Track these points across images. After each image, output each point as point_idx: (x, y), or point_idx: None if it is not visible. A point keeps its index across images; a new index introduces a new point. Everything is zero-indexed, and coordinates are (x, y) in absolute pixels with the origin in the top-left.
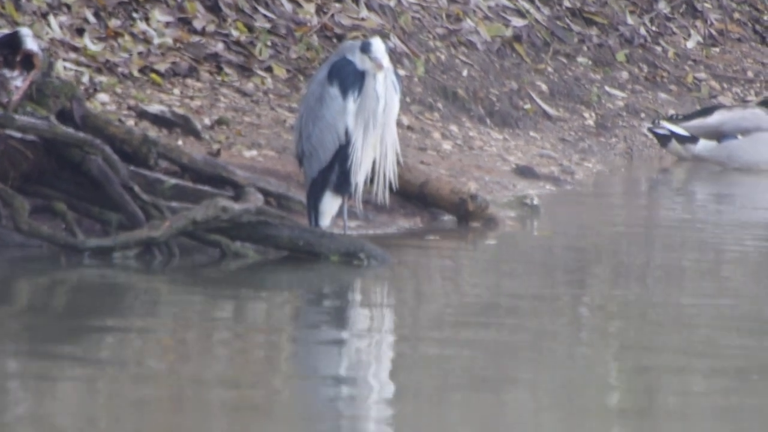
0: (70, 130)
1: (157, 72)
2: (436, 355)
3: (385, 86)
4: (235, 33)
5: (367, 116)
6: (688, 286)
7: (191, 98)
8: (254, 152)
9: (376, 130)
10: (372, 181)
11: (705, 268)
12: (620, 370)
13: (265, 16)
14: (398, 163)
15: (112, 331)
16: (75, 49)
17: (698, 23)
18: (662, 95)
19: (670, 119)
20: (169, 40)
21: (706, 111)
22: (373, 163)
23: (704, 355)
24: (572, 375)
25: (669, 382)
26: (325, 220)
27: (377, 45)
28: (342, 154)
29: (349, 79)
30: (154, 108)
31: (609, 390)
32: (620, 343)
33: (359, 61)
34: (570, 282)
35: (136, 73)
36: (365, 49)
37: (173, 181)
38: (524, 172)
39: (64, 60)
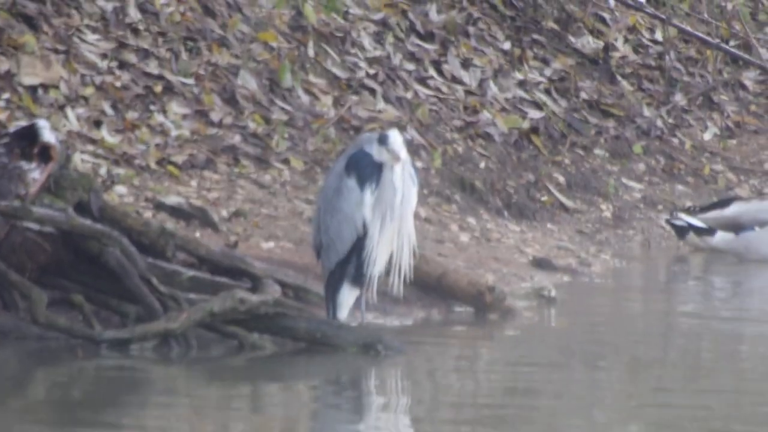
0: (88, 222)
1: (174, 164)
2: None
3: (402, 178)
4: (252, 125)
5: (385, 208)
6: (704, 382)
7: (208, 190)
8: (271, 244)
9: (394, 222)
10: (389, 272)
11: (722, 362)
12: None
13: (282, 108)
14: (415, 254)
15: (129, 426)
16: (92, 141)
17: (715, 115)
18: (679, 187)
19: (687, 211)
20: (187, 132)
21: (723, 203)
22: (390, 254)
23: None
24: None
25: None
26: (343, 312)
27: (395, 137)
28: (359, 246)
29: (367, 170)
30: (172, 200)
31: None
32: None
33: (377, 153)
34: (588, 378)
35: (153, 165)
36: (383, 141)
37: (191, 272)
38: (541, 264)
39: (82, 152)
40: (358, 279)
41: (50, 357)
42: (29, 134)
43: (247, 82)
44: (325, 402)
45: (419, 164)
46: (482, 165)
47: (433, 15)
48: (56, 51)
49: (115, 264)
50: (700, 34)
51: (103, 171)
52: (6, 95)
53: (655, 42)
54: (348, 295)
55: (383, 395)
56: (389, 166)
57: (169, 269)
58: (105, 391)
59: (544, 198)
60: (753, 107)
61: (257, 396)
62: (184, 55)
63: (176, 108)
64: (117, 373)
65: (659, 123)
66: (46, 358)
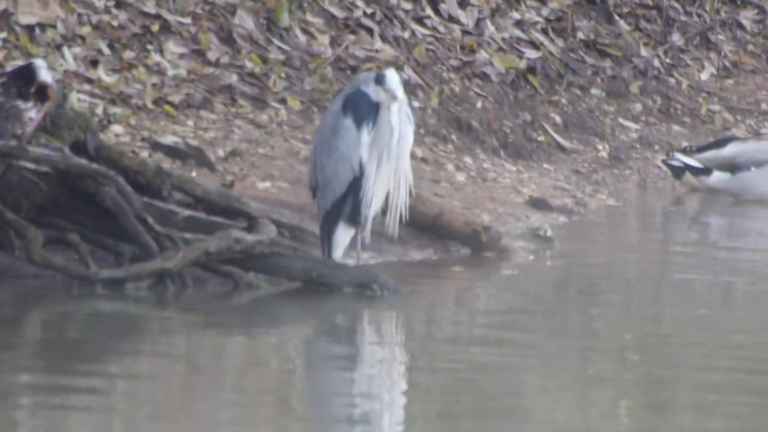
0: (84, 162)
1: (171, 103)
2: (448, 383)
3: (399, 118)
4: (249, 64)
5: (382, 148)
6: (699, 321)
7: (205, 130)
8: (268, 184)
9: (390, 162)
10: (385, 212)
11: (715, 297)
12: (630, 397)
13: (279, 47)
14: (411, 194)
15: (123, 363)
16: (89, 80)
17: (712, 55)
18: (676, 127)
19: (684, 151)
20: (183, 72)
21: (720, 143)
22: (387, 194)
23: (718, 369)
24: (585, 404)
25: (683, 405)
26: (338, 252)
27: (392, 76)
28: (356, 186)
29: (364, 110)
30: (168, 139)
31: (621, 414)
32: (629, 370)
33: (374, 92)
34: (583, 315)
35: (150, 105)
36: (380, 80)
37: (187, 212)
38: (538, 204)
39: (78, 91)
40: (354, 219)
41: (46, 296)
42: (26, 74)
43: (244, 21)
44: (320, 342)
45: (416, 104)
46: (479, 105)
47: None
48: None
49: (111, 203)
50: None
51: (99, 110)
52: (3, 35)
53: None
54: (344, 235)
55: (378, 335)
56: (386, 105)
57: (165, 209)
58: (100, 331)
59: (541, 138)
60: (750, 47)
61: (252, 336)
62: None
63: (173, 47)
64: (112, 312)
65: (656, 63)
66: (41, 298)
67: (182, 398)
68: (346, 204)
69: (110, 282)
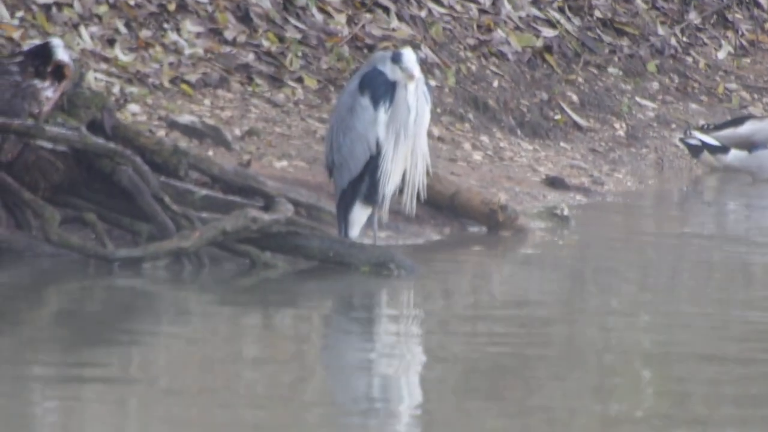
0: (101, 141)
1: (187, 82)
2: (465, 362)
3: (416, 96)
4: (266, 43)
5: (399, 127)
6: (716, 297)
7: (222, 109)
8: (285, 163)
9: (407, 141)
10: (402, 191)
11: (730, 277)
12: (645, 378)
13: (296, 26)
14: (428, 173)
15: (141, 342)
16: (106, 59)
17: (729, 34)
18: (693, 106)
19: (702, 129)
20: (200, 51)
21: (737, 121)
22: (404, 173)
23: (731, 360)
24: (599, 385)
25: (695, 390)
26: (355, 231)
27: (408, 55)
28: (372, 165)
29: (381, 89)
30: (185, 119)
31: (635, 395)
32: (643, 350)
33: (390, 71)
34: (599, 292)
35: (166, 84)
36: (396, 59)
37: (203, 191)
38: (554, 182)
39: (95, 71)
40: (371, 198)
41: (63, 275)
42: (43, 53)
43: (261, 1)
44: (338, 321)
45: (432, 83)
46: (495, 84)
47: None
48: None
49: (127, 183)
50: None
51: (116, 89)
52: (20, 13)
53: None
54: (360, 214)
55: (395, 314)
56: (403, 84)
57: (182, 188)
58: (117, 310)
59: (558, 116)
60: (767, 25)
61: (269, 315)
62: None
63: (190, 26)
64: (129, 291)
65: (673, 41)
66: (58, 277)
67: (198, 377)
68: (363, 183)
69: (127, 261)
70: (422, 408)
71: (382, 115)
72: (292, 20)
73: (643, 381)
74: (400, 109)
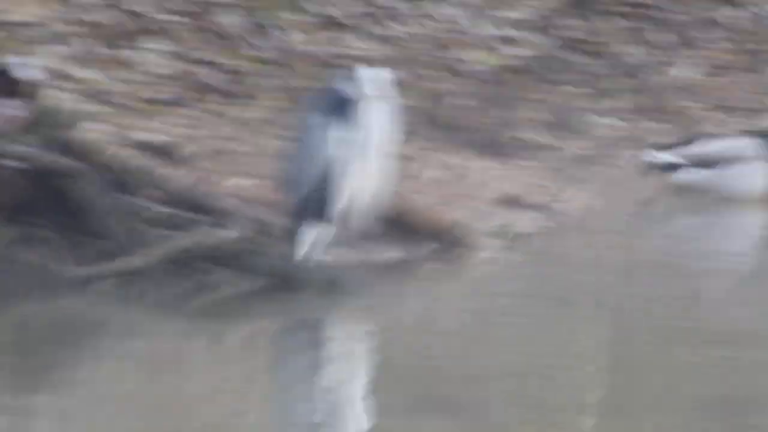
0: (57, 157)
1: (146, 100)
2: (416, 377)
3: (374, 114)
4: (224, 60)
5: (356, 144)
6: (669, 321)
7: (176, 126)
8: (238, 180)
9: (362, 159)
10: (355, 209)
11: (685, 292)
12: (593, 392)
13: (253, 44)
14: (382, 191)
15: (90, 362)
16: (67, 77)
17: (689, 52)
18: (652, 124)
19: (659, 147)
20: (160, 69)
21: (695, 139)
22: (357, 191)
23: (682, 369)
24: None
25: (643, 392)
26: (307, 249)
27: (367, 73)
28: (325, 183)
29: (338, 107)
30: (141, 136)
31: (585, 410)
32: (596, 363)
33: (348, 89)
34: (556, 310)
35: (125, 101)
36: (355, 77)
37: (157, 208)
38: (511, 200)
39: (56, 88)
40: (323, 216)
41: (14, 293)
42: (4, 70)
43: (223, 18)
44: (288, 339)
45: (392, 100)
46: (455, 101)
47: None
48: None
49: (82, 200)
50: None
51: (76, 107)
52: None
53: None
54: (312, 232)
55: (346, 332)
56: (362, 102)
57: (136, 205)
58: (67, 328)
59: (516, 134)
60: (728, 45)
61: (219, 333)
62: None
63: (150, 44)
64: (80, 309)
65: (635, 60)
66: (8, 294)
67: (145, 396)
68: (315, 201)
69: (80, 278)
70: (373, 429)
71: (338, 133)
72: (250, 38)
73: (591, 396)
74: (358, 127)
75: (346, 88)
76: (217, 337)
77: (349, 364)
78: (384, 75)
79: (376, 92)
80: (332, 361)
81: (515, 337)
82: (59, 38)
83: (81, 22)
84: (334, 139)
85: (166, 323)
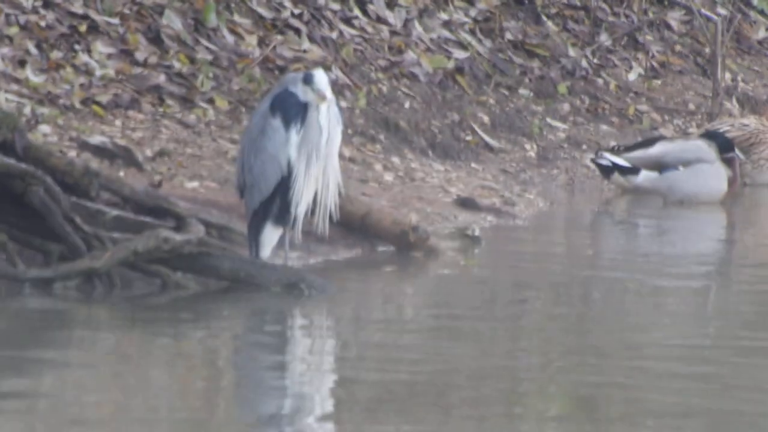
0: (12, 162)
1: (98, 104)
2: (376, 379)
3: (327, 118)
4: (177, 65)
5: (310, 148)
6: (625, 323)
7: (133, 130)
8: (196, 184)
9: (319, 162)
10: (313, 212)
11: (640, 298)
12: (557, 395)
13: (207, 48)
14: (340, 194)
15: (50, 363)
16: (17, 80)
17: (640, 56)
18: (604, 127)
19: (612, 150)
20: (111, 72)
21: (648, 142)
22: (315, 194)
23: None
24: (511, 397)
25: (609, 396)
26: (266, 251)
27: (320, 77)
28: (284, 186)
29: (292, 111)
30: (96, 139)
31: (547, 399)
32: (552, 361)
33: (302, 92)
34: (508, 311)
35: (77, 105)
36: (308, 80)
37: (115, 212)
38: (466, 203)
39: (6, 91)
40: (282, 218)
41: None
42: None
43: (172, 22)
44: (248, 340)
45: (344, 104)
46: (407, 105)
47: None
48: None
49: (38, 203)
50: None
51: (27, 110)
52: None
53: None
54: (271, 235)
55: (306, 334)
56: (314, 105)
57: (93, 208)
58: (28, 329)
59: (469, 138)
60: (678, 47)
61: (180, 334)
62: None
63: (101, 47)
64: (40, 311)
65: (584, 63)
66: None
67: (107, 398)
68: (274, 204)
69: (38, 281)
70: (336, 421)
71: (294, 136)
72: (203, 41)
73: (555, 398)
74: (312, 130)
75: (301, 92)
76: (180, 337)
77: (310, 361)
78: (329, 78)
79: (330, 95)
80: (294, 357)
81: (471, 334)
82: (6, 41)
83: (27, 24)
84: (293, 142)
85: (129, 323)
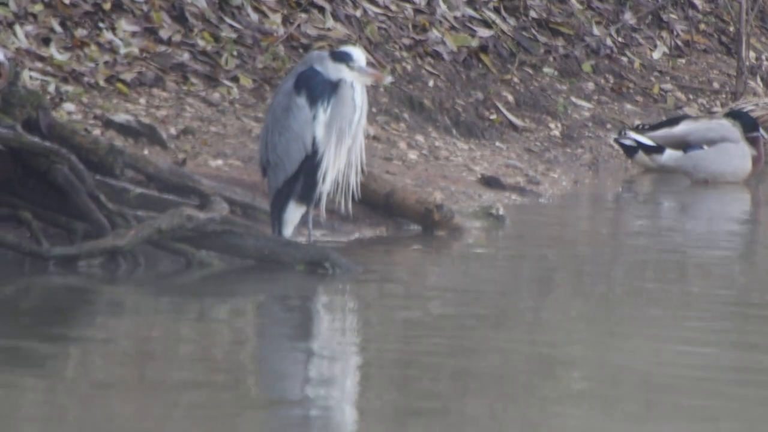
0: (37, 140)
1: (123, 81)
2: (401, 360)
3: (362, 95)
4: (201, 43)
5: (343, 126)
6: (650, 304)
7: (157, 108)
8: (220, 162)
9: (347, 140)
10: (337, 190)
11: (664, 277)
12: (578, 378)
13: (231, 26)
14: (364, 173)
15: (76, 339)
16: (41, 58)
17: (664, 34)
18: (628, 106)
19: (637, 129)
20: (136, 50)
21: (673, 121)
22: (339, 173)
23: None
24: (534, 382)
25: (627, 373)
26: (288, 230)
27: (358, 54)
28: (308, 164)
29: (318, 89)
30: (120, 117)
31: (571, 382)
32: (576, 340)
33: (333, 70)
34: (534, 291)
35: (102, 83)
36: (343, 58)
37: (139, 190)
38: (490, 182)
39: (31, 69)
40: (306, 197)
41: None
42: None
43: (197, 0)
44: (272, 318)
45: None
46: (431, 83)
47: None
48: None
49: (63, 181)
50: None
51: (51, 88)
52: None
53: None
54: (294, 213)
55: (330, 312)
56: (349, 83)
57: (118, 186)
58: (53, 306)
59: (493, 116)
60: (702, 26)
61: (204, 312)
62: None
63: (125, 25)
64: (64, 288)
65: (608, 42)
66: None
67: (133, 376)
68: (298, 182)
69: (62, 259)
70: (358, 408)
71: (321, 114)
72: (228, 20)
73: (576, 381)
74: (346, 108)
75: (332, 70)
76: (204, 316)
77: (335, 344)
78: (360, 55)
79: (357, 73)
80: (319, 340)
81: (496, 313)
82: (31, 19)
83: (51, 2)
84: (320, 121)
85: (153, 302)
